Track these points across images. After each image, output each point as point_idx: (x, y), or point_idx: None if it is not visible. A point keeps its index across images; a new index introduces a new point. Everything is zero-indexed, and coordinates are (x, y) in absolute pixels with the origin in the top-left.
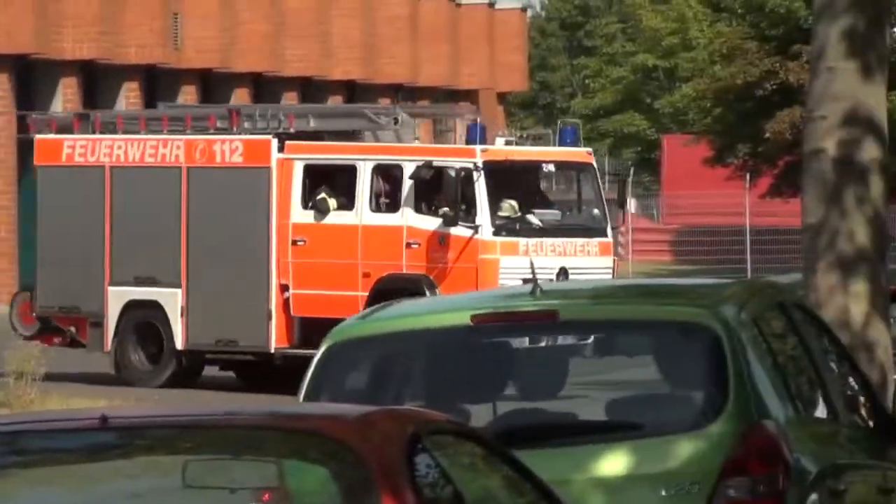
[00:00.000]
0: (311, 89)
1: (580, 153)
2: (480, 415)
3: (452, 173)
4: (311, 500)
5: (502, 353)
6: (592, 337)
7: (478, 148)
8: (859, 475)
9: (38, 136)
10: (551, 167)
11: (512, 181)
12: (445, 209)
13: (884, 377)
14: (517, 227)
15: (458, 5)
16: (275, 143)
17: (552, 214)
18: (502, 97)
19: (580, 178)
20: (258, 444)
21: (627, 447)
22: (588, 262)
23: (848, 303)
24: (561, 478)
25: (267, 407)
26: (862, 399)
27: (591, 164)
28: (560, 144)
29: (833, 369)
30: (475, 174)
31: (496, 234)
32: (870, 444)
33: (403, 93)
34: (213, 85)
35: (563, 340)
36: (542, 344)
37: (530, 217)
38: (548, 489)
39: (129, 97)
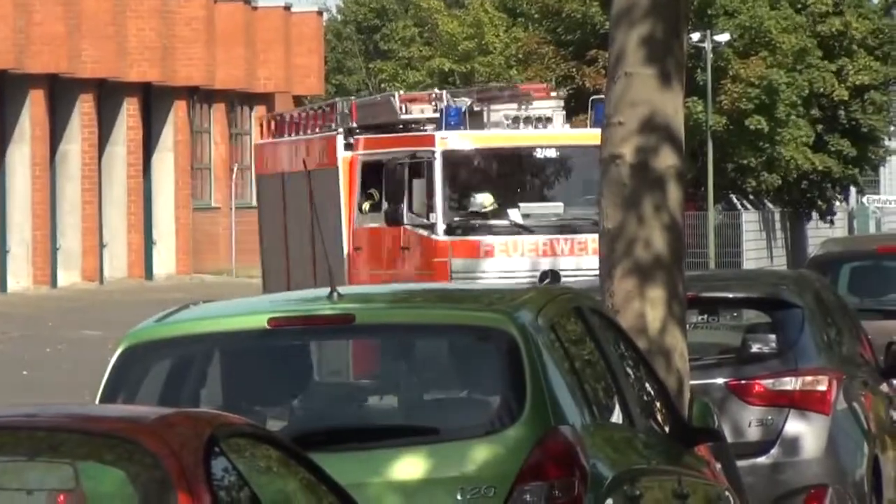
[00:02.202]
0: (107, 91)
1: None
2: (277, 418)
3: (395, 165)
4: (107, 502)
5: (299, 356)
6: (389, 341)
7: (437, 135)
8: (655, 480)
9: (256, 143)
10: (550, 152)
11: (496, 171)
12: (386, 206)
13: (680, 383)
14: (476, 225)
15: (255, 8)
16: (340, 139)
17: (549, 208)
18: (298, 100)
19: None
20: (55, 446)
21: (424, 451)
22: (594, 262)
23: (645, 309)
24: (357, 481)
25: (65, 409)
26: (658, 405)
27: None
28: (594, 125)
29: (630, 375)
30: (434, 164)
31: (448, 233)
32: (665, 449)
33: (199, 95)
34: (7, 86)
35: (360, 344)
36: (339, 347)
37: (511, 212)
38: (344, 492)
39: None
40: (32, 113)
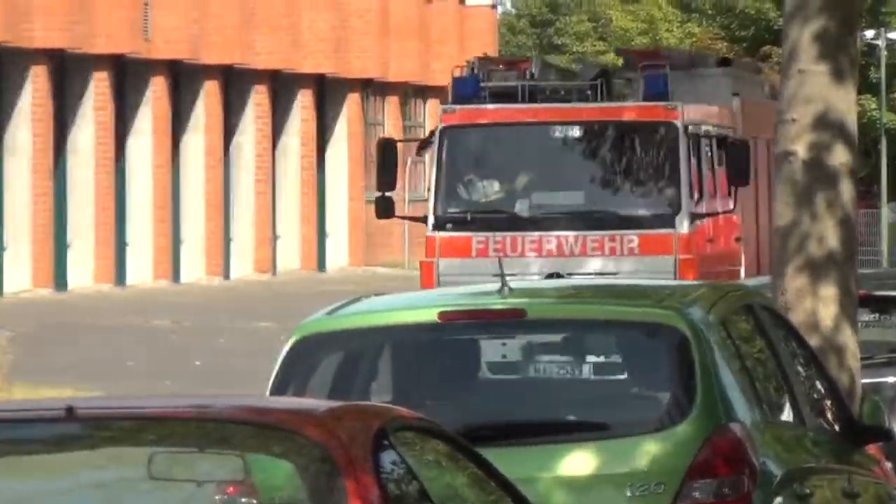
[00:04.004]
0: (280, 82)
1: (655, 109)
2: (447, 412)
3: (389, 145)
4: (276, 494)
5: (469, 350)
6: (560, 336)
7: (441, 108)
8: (825, 479)
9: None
10: (573, 131)
11: (509, 154)
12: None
13: (852, 381)
14: (469, 218)
15: (429, 1)
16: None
17: (565, 198)
18: None
19: (649, 143)
20: (225, 438)
21: (594, 447)
22: (618, 264)
23: (817, 306)
24: (526, 476)
25: (235, 400)
26: (828, 403)
27: (670, 124)
28: (645, 99)
29: (800, 373)
30: (433, 146)
31: (437, 228)
32: (835, 448)
33: (373, 87)
34: (182, 77)
35: (530, 339)
36: (510, 342)
37: (519, 203)
38: (513, 487)
39: (97, 87)
40: (207, 104)
